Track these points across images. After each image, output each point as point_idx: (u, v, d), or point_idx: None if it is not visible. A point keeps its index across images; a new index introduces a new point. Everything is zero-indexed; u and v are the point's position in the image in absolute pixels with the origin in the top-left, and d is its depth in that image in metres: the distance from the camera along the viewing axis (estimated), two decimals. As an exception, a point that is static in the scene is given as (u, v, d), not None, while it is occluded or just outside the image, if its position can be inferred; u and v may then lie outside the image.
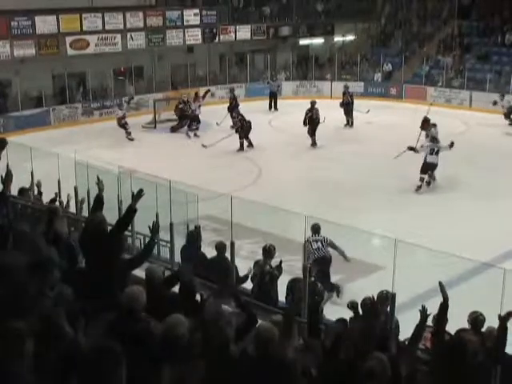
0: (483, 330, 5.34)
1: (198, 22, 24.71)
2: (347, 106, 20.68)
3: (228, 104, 20.86)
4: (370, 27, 29.21)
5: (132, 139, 19.07)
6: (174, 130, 20.38)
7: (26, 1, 20.28)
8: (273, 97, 24.09)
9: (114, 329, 3.50)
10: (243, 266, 7.47)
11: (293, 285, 6.66)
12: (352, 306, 5.83)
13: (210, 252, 7.55)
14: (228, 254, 7.35)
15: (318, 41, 28.64)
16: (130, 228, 7.20)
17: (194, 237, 7.80)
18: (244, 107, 19.99)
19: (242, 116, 18.03)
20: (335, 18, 28.39)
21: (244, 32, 26.03)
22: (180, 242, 7.91)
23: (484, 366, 4.53)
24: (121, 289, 4.08)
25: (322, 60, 28.22)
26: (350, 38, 29.04)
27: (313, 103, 18.50)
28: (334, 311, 5.83)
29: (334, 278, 8.94)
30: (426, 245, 7.16)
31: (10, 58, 20.03)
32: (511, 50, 25.05)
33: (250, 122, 17.88)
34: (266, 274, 7.24)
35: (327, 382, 4.02)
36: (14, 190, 7.89)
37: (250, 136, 17.85)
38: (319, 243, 8.82)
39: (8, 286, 3.26)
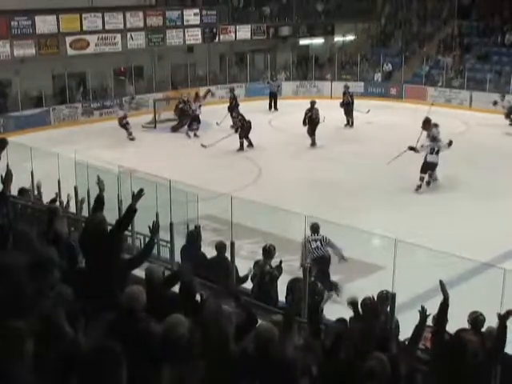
0: (483, 330, 5.33)
1: (197, 22, 24.71)
2: (347, 106, 20.68)
3: (228, 104, 20.88)
4: (370, 27, 29.21)
5: (133, 139, 19.07)
6: (174, 129, 20.38)
7: (26, 1, 20.28)
8: (273, 97, 24.09)
9: (114, 329, 3.50)
10: (243, 266, 7.47)
11: (293, 285, 6.67)
12: (352, 303, 5.83)
13: (210, 252, 7.54)
14: (228, 254, 7.35)
15: (318, 41, 28.64)
16: (129, 228, 7.20)
17: (194, 237, 7.80)
18: (244, 107, 20.00)
19: (242, 116, 18.03)
20: (335, 18, 28.38)
21: (244, 32, 26.03)
22: (180, 242, 7.91)
23: (484, 365, 4.53)
24: (121, 289, 4.08)
25: (322, 60, 28.22)
26: (350, 38, 29.04)
27: (312, 103, 18.51)
28: (334, 310, 5.82)
29: (333, 278, 8.94)
30: (426, 245, 7.17)
31: (9, 57, 20.03)
32: (511, 50, 25.05)
33: (249, 122, 17.88)
34: (266, 274, 7.24)
35: (327, 382, 4.02)
36: (14, 190, 7.88)
37: (250, 136, 17.85)
38: (318, 242, 8.83)
39: (8, 286, 3.26)
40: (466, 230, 10.97)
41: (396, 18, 29.22)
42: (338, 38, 28.91)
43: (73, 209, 9.09)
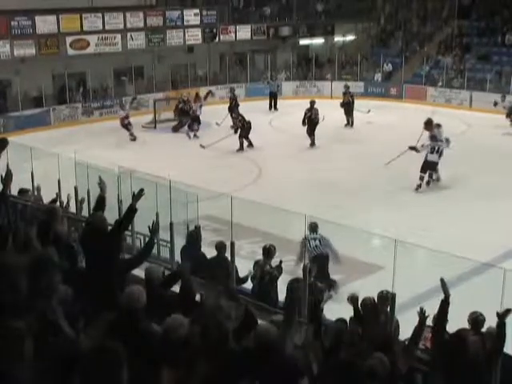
0: (483, 330, 5.33)
1: (198, 22, 24.72)
2: (348, 106, 20.69)
3: (228, 104, 20.87)
4: (370, 27, 29.21)
5: (134, 139, 19.07)
6: (175, 129, 20.37)
7: (26, 1, 20.31)
8: (273, 97, 24.08)
9: (114, 329, 3.50)
10: (243, 266, 7.47)
11: (293, 285, 6.66)
12: (352, 299, 5.84)
13: (210, 252, 7.54)
14: (228, 254, 7.35)
15: (318, 41, 28.65)
16: (130, 228, 7.20)
17: (194, 237, 7.80)
18: (244, 107, 20.01)
19: (242, 116, 18.02)
20: (335, 18, 28.38)
21: (244, 32, 26.04)
22: (180, 242, 7.91)
23: (484, 365, 4.53)
24: (121, 289, 4.08)
25: (322, 60, 28.21)
26: (350, 38, 29.03)
27: (312, 103, 18.50)
28: (334, 310, 5.81)
29: (333, 278, 8.94)
30: (426, 245, 7.18)
31: (10, 57, 20.05)
32: (511, 50, 25.05)
33: (250, 123, 17.88)
34: (266, 274, 7.25)
35: (327, 382, 4.02)
36: (14, 190, 7.88)
37: (250, 136, 17.86)
38: (317, 241, 8.85)
39: (7, 286, 3.26)
40: (466, 230, 10.97)
41: (396, 18, 29.22)
42: (338, 38, 28.91)
43: (73, 209, 9.10)
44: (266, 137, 18.66)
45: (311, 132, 18.15)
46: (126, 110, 19.52)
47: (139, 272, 5.13)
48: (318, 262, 8.58)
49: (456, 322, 4.82)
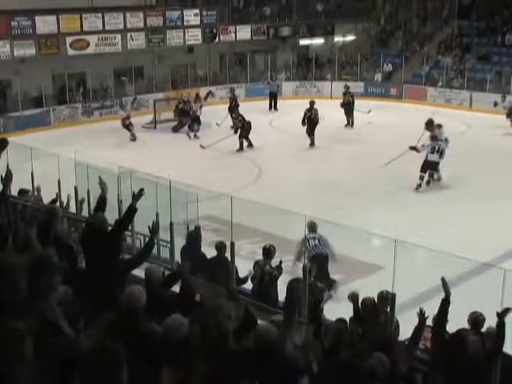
0: (483, 329, 5.34)
1: (198, 22, 24.72)
2: (348, 106, 20.69)
3: (228, 104, 20.87)
4: (370, 27, 29.21)
5: (134, 139, 19.07)
6: (175, 129, 20.37)
7: (26, 1, 20.31)
8: (273, 97, 24.08)
9: (114, 329, 3.50)
10: (243, 266, 7.47)
11: (293, 285, 6.66)
12: (352, 297, 5.83)
13: (210, 252, 7.54)
14: (228, 254, 7.35)
15: (318, 41, 28.65)
16: (129, 228, 7.20)
17: (194, 237, 7.80)
18: (244, 107, 20.02)
19: (242, 117, 18.02)
20: (335, 18, 28.38)
21: (244, 32, 26.03)
22: (180, 242, 7.91)
23: (484, 365, 4.53)
24: (121, 289, 4.08)
25: (322, 60, 28.21)
26: (350, 38, 29.03)
27: (312, 103, 18.51)
28: (334, 310, 5.82)
29: (333, 278, 8.94)
30: (426, 245, 7.18)
31: (10, 57, 20.04)
32: (511, 50, 25.05)
33: (250, 123, 17.88)
34: (266, 275, 7.25)
35: (327, 382, 4.02)
36: (14, 191, 7.89)
37: (250, 136, 17.86)
38: (316, 241, 8.86)
39: (7, 286, 3.26)
40: (466, 230, 10.97)
41: (396, 18, 29.22)
42: (338, 38, 28.91)
43: (73, 209, 9.10)
44: (266, 137, 18.66)
45: (311, 132, 18.15)
46: (127, 111, 19.52)
47: (139, 272, 5.13)
48: (318, 262, 8.58)
49: (456, 321, 4.83)
